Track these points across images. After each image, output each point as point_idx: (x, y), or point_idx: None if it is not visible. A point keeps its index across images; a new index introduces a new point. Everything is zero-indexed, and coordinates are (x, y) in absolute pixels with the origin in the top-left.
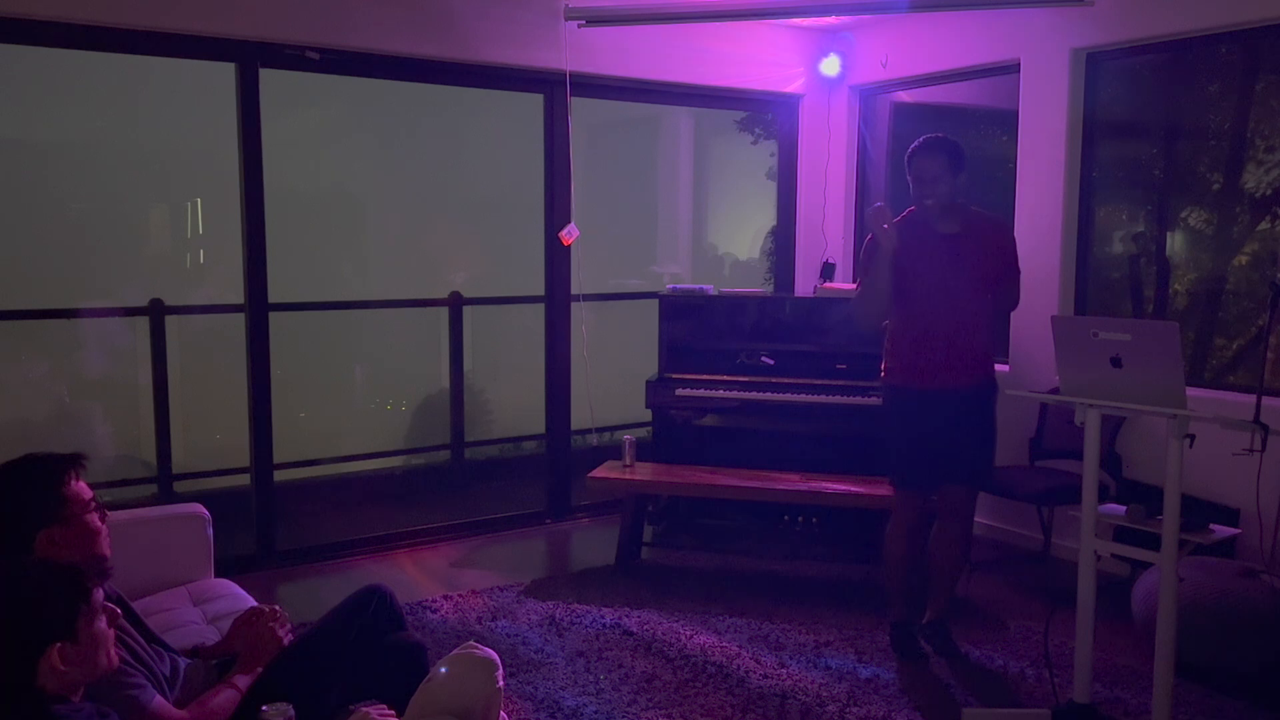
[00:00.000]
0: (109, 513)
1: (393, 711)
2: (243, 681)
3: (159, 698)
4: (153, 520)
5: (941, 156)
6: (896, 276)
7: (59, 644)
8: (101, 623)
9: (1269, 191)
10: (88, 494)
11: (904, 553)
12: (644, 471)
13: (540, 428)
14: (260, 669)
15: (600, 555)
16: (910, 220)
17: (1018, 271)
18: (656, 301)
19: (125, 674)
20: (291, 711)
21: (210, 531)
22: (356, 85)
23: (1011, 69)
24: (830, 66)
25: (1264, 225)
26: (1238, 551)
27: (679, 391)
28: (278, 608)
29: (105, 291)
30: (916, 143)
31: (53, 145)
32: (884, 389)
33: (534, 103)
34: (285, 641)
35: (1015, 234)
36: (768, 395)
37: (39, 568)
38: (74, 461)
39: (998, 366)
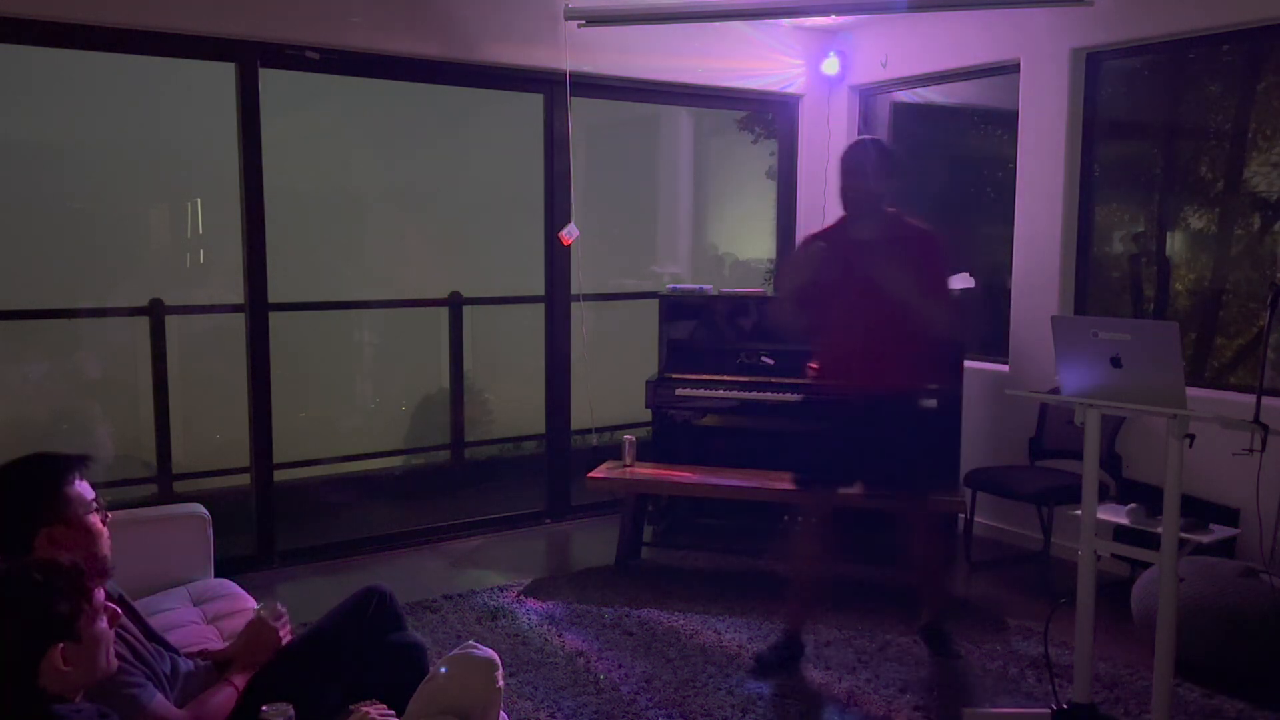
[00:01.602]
0: (110, 513)
1: (393, 711)
2: (240, 680)
3: (159, 696)
4: (153, 520)
5: (871, 155)
6: (820, 283)
7: (61, 644)
8: (102, 623)
9: (1270, 191)
10: (90, 494)
11: (809, 552)
12: (644, 471)
13: (540, 428)
14: (256, 668)
15: (600, 555)
16: (832, 228)
17: (946, 292)
18: (656, 301)
19: (126, 673)
20: (291, 711)
21: (210, 531)
22: (356, 85)
23: (1011, 69)
24: (830, 66)
25: (1265, 224)
26: (1238, 551)
27: (679, 391)
28: (280, 607)
29: (105, 291)
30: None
31: (53, 145)
32: (809, 391)
33: (534, 103)
34: (285, 641)
35: (1016, 235)
36: (768, 395)
37: (41, 568)
38: (78, 462)
39: (997, 366)
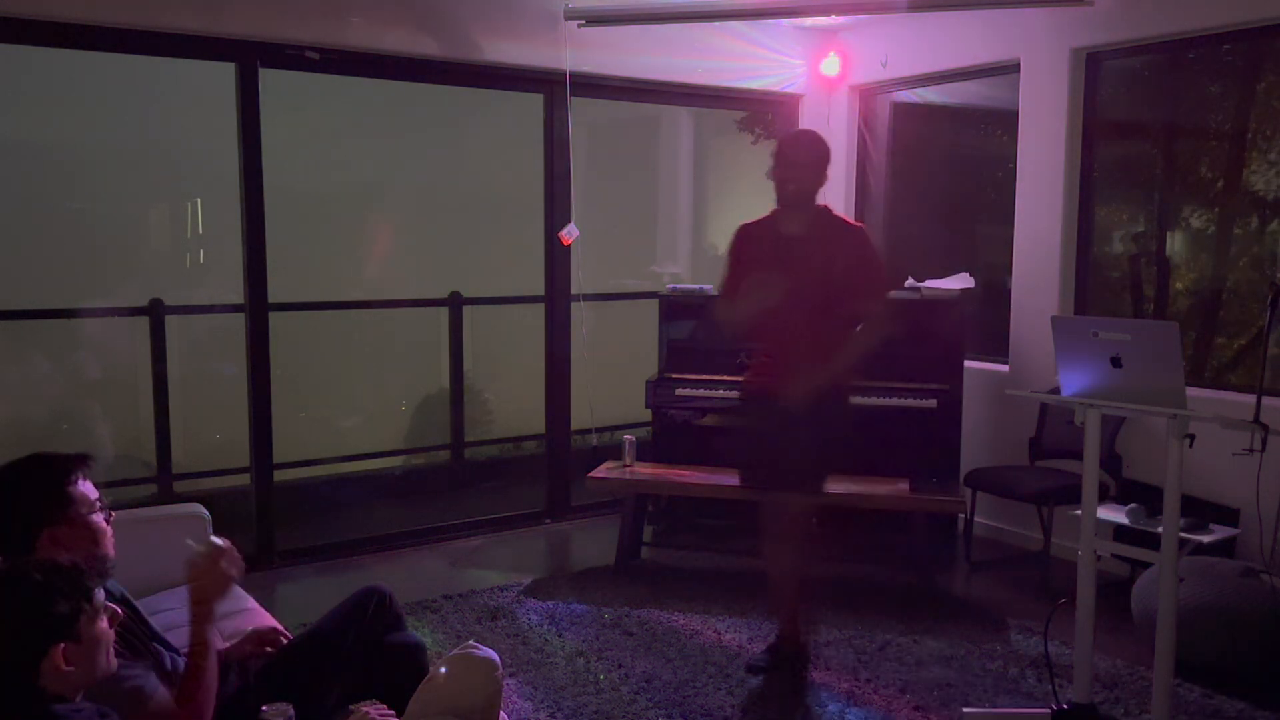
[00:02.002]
0: (113, 513)
1: (392, 711)
2: (208, 635)
3: (163, 688)
4: (153, 520)
5: (804, 146)
6: (746, 281)
7: (62, 644)
8: (103, 623)
9: (1270, 191)
10: (93, 494)
11: (784, 554)
12: (644, 471)
13: (540, 428)
14: (209, 606)
15: (600, 555)
16: (764, 220)
17: (881, 283)
18: (656, 301)
19: (127, 667)
20: (291, 711)
21: (210, 531)
22: (356, 85)
23: (1011, 69)
24: (830, 66)
25: (1265, 224)
26: (1238, 551)
27: (679, 391)
28: (219, 541)
29: (105, 291)
30: (787, 132)
31: (53, 145)
32: (740, 394)
33: (534, 103)
34: (234, 577)
35: (1016, 235)
36: None
37: (43, 568)
38: (80, 462)
39: (997, 367)
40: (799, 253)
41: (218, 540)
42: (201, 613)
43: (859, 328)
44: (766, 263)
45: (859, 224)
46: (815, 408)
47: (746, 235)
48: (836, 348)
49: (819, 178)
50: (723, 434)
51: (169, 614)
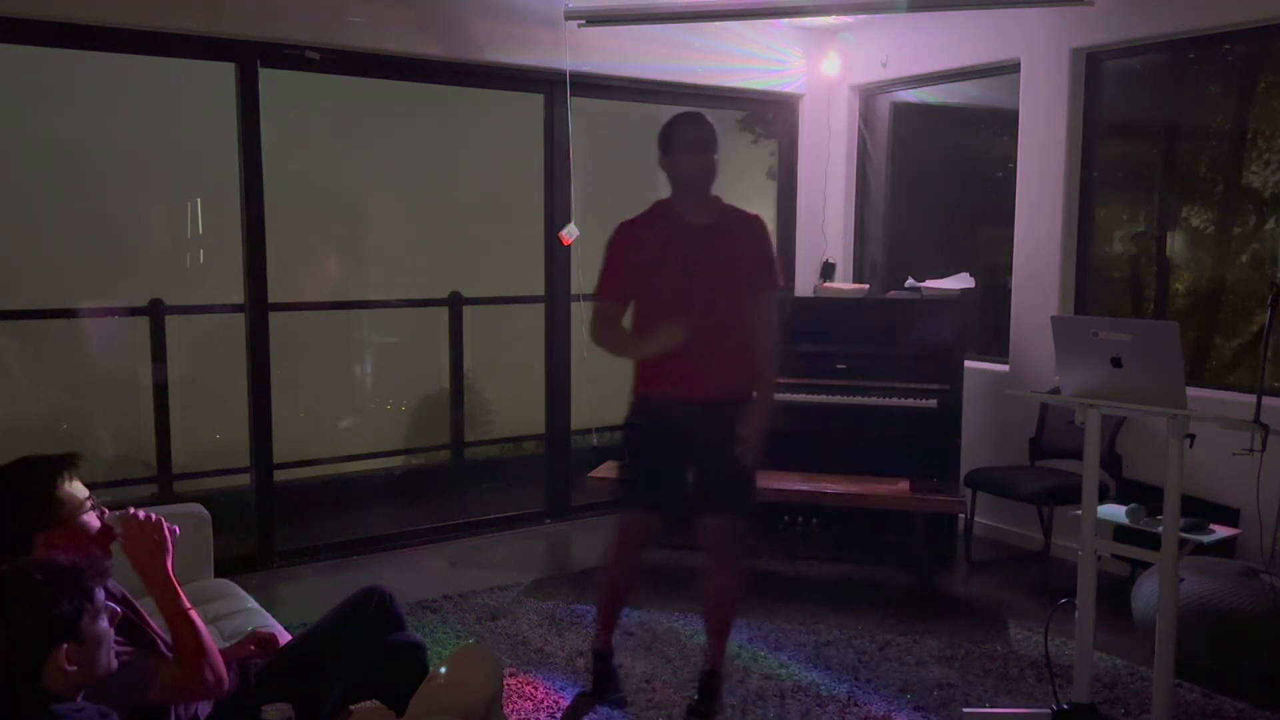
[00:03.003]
0: (106, 509)
1: (392, 711)
2: (168, 596)
3: (164, 658)
4: None
5: (710, 129)
6: (640, 275)
7: (65, 644)
8: (104, 622)
9: (1270, 191)
10: (83, 493)
11: (621, 574)
12: None
13: (540, 428)
14: (154, 568)
15: (600, 555)
16: (653, 214)
17: (775, 284)
18: None
19: (129, 655)
20: (291, 712)
21: (210, 531)
22: (356, 85)
23: (1011, 69)
24: (830, 66)
25: (1265, 224)
26: (1238, 551)
27: None
28: (134, 511)
29: (105, 291)
30: (677, 115)
31: (53, 145)
32: (632, 399)
33: (534, 103)
34: (170, 541)
35: (1016, 235)
36: None
37: (44, 569)
38: (66, 462)
39: (997, 366)
40: (707, 244)
41: (129, 510)
42: (150, 577)
43: (759, 323)
44: (669, 260)
45: (759, 219)
46: (729, 414)
47: (633, 234)
48: (746, 345)
49: (717, 164)
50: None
51: None
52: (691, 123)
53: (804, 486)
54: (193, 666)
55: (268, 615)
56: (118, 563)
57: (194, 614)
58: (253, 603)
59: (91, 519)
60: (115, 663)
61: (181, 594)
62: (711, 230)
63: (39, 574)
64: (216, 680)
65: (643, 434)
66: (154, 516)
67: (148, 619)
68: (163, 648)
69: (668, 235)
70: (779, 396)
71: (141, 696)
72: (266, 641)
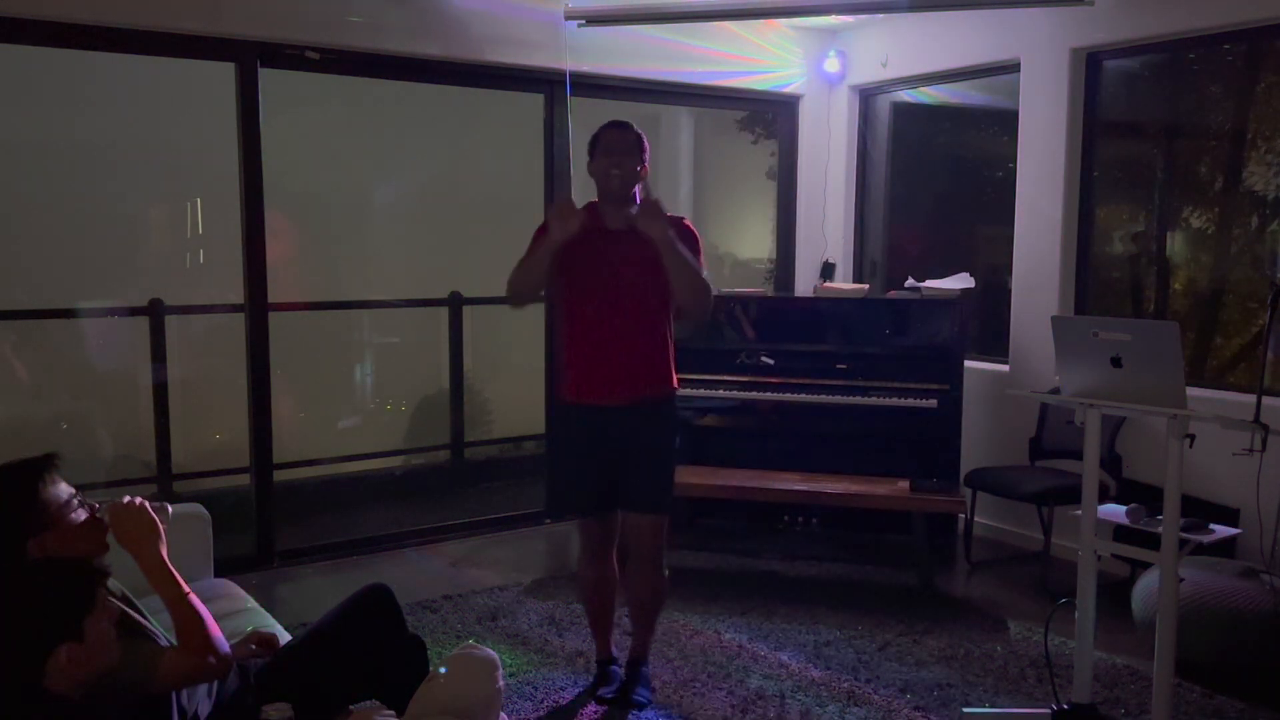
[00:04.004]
0: (97, 503)
1: (392, 711)
2: (164, 578)
3: (165, 645)
4: None
5: (631, 134)
6: (563, 278)
7: (67, 644)
8: (105, 622)
9: (1270, 191)
10: (66, 492)
11: (596, 578)
12: None
13: (540, 428)
14: (147, 551)
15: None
16: (589, 211)
17: (703, 282)
18: None
19: (130, 650)
20: (291, 712)
21: (210, 531)
22: (356, 85)
23: (1011, 69)
24: (830, 66)
25: (1265, 225)
26: (1238, 551)
27: (679, 391)
28: (128, 499)
29: (105, 291)
30: (606, 122)
31: (53, 145)
32: (554, 406)
33: (534, 103)
34: (160, 524)
35: (1016, 235)
36: (768, 395)
37: (46, 569)
38: (45, 464)
39: (997, 366)
40: (622, 249)
41: (128, 499)
42: (145, 562)
43: (678, 325)
44: (591, 263)
45: (680, 219)
46: (651, 415)
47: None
48: (663, 349)
49: (641, 169)
50: (723, 434)
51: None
52: (612, 129)
53: (804, 486)
54: (196, 648)
55: (268, 615)
56: (118, 562)
57: (193, 597)
58: (253, 603)
59: (80, 516)
60: (116, 658)
61: (179, 577)
62: (630, 235)
63: (40, 575)
64: (220, 661)
65: (566, 442)
66: (139, 500)
67: (148, 619)
68: (164, 644)
69: (590, 239)
70: (777, 396)
71: (145, 687)
72: (266, 641)
